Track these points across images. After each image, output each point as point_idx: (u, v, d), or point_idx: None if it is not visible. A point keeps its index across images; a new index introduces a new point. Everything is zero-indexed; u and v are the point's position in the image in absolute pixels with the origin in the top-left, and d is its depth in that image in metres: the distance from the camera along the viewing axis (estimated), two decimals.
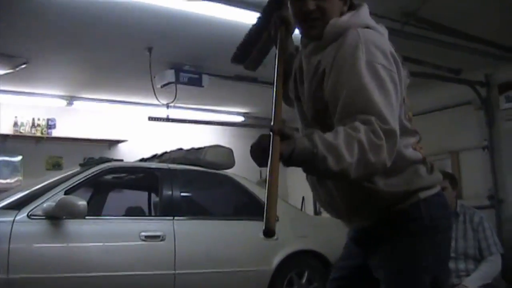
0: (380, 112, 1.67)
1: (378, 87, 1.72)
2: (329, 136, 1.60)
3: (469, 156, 8.28)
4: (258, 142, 1.60)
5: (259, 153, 1.59)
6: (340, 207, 2.01)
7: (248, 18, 5.25)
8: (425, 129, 8.20)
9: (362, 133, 1.61)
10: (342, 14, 1.99)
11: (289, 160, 1.56)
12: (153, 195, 6.33)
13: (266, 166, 1.53)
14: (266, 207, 1.49)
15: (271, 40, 2.27)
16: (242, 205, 6.28)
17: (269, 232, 1.47)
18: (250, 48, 2.39)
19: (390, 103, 1.73)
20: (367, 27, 1.92)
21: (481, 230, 4.44)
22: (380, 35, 1.93)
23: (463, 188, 8.26)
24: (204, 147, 6.10)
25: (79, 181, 5.13)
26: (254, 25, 2.39)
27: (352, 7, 2.03)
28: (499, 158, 7.94)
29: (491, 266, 4.38)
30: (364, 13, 1.99)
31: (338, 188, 1.97)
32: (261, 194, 5.97)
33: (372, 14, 2.03)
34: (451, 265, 4.30)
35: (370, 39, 1.84)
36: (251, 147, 1.61)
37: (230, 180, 6.05)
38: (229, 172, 6.13)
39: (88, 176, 5.22)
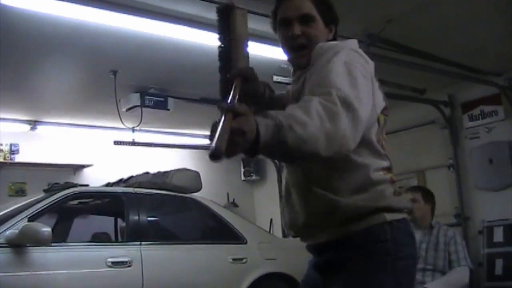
0: (341, 87, 1.66)
1: (348, 77, 1.73)
2: (282, 111, 1.55)
3: (435, 175, 8.35)
4: (212, 124, 1.48)
5: (212, 133, 1.44)
6: (302, 218, 1.97)
7: (212, 41, 5.25)
8: (391, 149, 8.28)
9: (316, 101, 1.57)
10: (327, 41, 2.06)
11: (257, 139, 1.44)
12: (119, 220, 6.25)
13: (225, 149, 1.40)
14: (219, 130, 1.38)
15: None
16: (210, 228, 6.23)
17: (217, 152, 1.34)
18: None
19: (358, 93, 1.69)
20: (356, 51, 1.95)
21: (452, 243, 4.47)
22: (364, 60, 1.93)
23: None
24: (171, 171, 6.05)
25: (43, 207, 5.04)
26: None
27: (336, 37, 2.12)
28: (465, 176, 8.02)
29: (457, 276, 4.39)
30: (353, 42, 2.04)
31: (302, 198, 1.96)
32: (229, 217, 5.95)
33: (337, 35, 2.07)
34: (418, 277, 4.32)
35: (353, 54, 1.90)
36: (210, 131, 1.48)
37: (197, 204, 6.00)
38: (196, 195, 6.08)
39: (52, 202, 5.13)
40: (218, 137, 1.36)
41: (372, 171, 1.89)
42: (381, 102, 1.98)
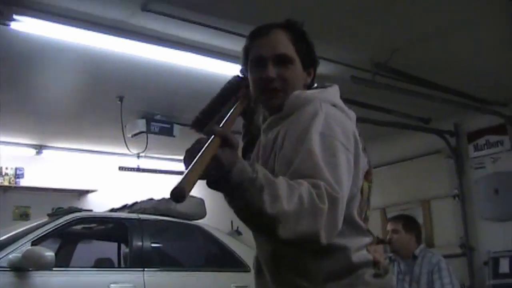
0: (328, 179, 1.46)
1: (328, 157, 1.53)
2: (271, 175, 1.39)
3: (440, 205, 8.31)
4: (195, 143, 1.32)
5: (190, 155, 1.28)
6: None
7: (219, 68, 5.29)
8: (396, 179, 8.34)
9: (305, 189, 1.39)
10: (305, 86, 1.86)
11: (228, 174, 1.28)
12: (123, 246, 6.23)
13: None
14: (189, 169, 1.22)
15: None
16: (214, 255, 6.20)
17: (179, 193, 1.18)
18: (214, 113, 2.10)
19: (338, 176, 1.51)
20: (334, 105, 1.76)
21: (436, 270, 4.37)
22: (345, 116, 1.76)
23: (435, 236, 8.29)
24: None
25: (46, 232, 5.04)
26: (222, 88, 2.12)
27: (313, 81, 1.93)
28: (470, 206, 7.98)
29: None
30: (333, 92, 1.84)
31: (273, 281, 1.78)
32: (233, 245, 5.92)
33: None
34: None
35: (332, 114, 1.68)
36: (186, 151, 1.33)
37: (201, 231, 5.99)
38: (200, 222, 6.06)
39: (56, 227, 5.13)
40: (189, 172, 1.21)
41: (353, 252, 1.69)
42: (364, 166, 1.76)
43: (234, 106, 1.79)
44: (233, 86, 2.04)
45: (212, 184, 1.30)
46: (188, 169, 1.21)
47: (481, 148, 7.87)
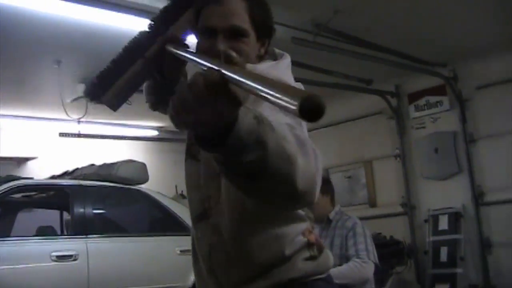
0: (295, 125, 1.32)
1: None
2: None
3: (382, 165, 8.45)
4: (192, 83, 0.98)
5: (194, 103, 0.98)
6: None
7: None
8: (338, 140, 8.43)
9: (284, 125, 1.24)
10: (258, 57, 1.70)
11: (229, 128, 1.04)
12: (65, 213, 6.13)
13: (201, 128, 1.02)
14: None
15: (147, 68, 1.78)
16: (157, 220, 6.17)
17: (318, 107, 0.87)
18: (114, 78, 1.81)
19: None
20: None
21: (351, 235, 4.00)
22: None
23: (377, 196, 8.44)
24: (117, 162, 5.96)
25: None
26: (125, 48, 1.83)
27: (267, 52, 1.74)
28: (411, 165, 8.13)
29: (353, 268, 3.88)
30: (284, 67, 1.70)
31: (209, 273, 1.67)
32: (177, 209, 5.89)
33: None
34: None
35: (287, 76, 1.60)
36: (177, 97, 1.00)
37: (144, 196, 5.94)
38: (143, 187, 6.00)
39: None
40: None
41: (287, 243, 1.59)
42: None
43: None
44: (139, 43, 1.81)
45: (212, 141, 1.05)
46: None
47: (422, 109, 8.00)
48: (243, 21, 1.64)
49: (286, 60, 1.72)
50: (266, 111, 1.23)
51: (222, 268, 1.64)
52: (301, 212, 1.64)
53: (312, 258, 1.62)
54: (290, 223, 1.60)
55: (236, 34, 1.63)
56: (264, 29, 1.70)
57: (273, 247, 1.58)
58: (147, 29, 1.84)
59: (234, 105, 0.99)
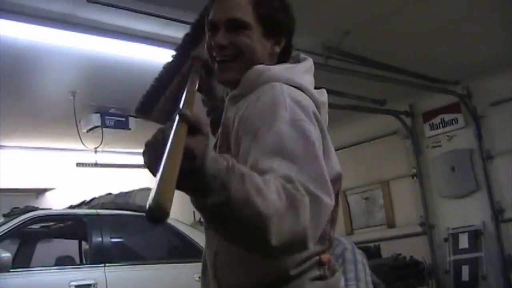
0: (301, 170, 1.25)
1: (304, 145, 1.32)
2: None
3: (399, 185, 8.41)
4: (157, 134, 1.08)
5: (154, 150, 1.06)
6: None
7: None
8: (354, 161, 8.39)
9: (274, 180, 1.17)
10: (272, 56, 1.62)
11: (202, 166, 1.05)
12: (83, 243, 6.15)
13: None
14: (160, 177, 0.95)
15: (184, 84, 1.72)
16: (175, 247, 6.16)
17: (159, 213, 0.94)
18: (159, 96, 1.92)
19: (319, 171, 1.30)
20: (299, 88, 1.51)
21: (340, 263, 3.57)
22: (308, 99, 1.51)
23: (395, 216, 8.38)
24: (133, 190, 5.98)
25: (3, 232, 4.95)
26: (164, 68, 1.94)
27: (287, 52, 1.66)
28: (428, 184, 8.09)
29: None
30: (301, 70, 1.60)
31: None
32: (194, 235, 5.89)
33: (294, 48, 1.66)
34: None
35: (294, 97, 1.44)
36: (146, 144, 1.09)
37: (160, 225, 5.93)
38: None
39: (13, 226, 5.04)
40: (162, 179, 0.95)
41: (296, 264, 1.45)
42: (335, 160, 1.56)
43: (189, 81, 1.53)
44: (174, 64, 1.89)
45: (183, 182, 1.02)
46: (159, 174, 0.95)
47: (437, 127, 7.97)
48: (244, 13, 1.57)
49: (306, 64, 1.64)
50: (265, 161, 1.26)
51: (225, 277, 1.56)
52: (327, 234, 1.52)
53: (321, 278, 1.49)
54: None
55: (235, 26, 1.57)
56: (272, 25, 1.61)
57: (278, 265, 1.43)
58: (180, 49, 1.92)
59: (188, 158, 1.02)
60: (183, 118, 1.04)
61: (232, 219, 1.11)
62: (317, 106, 1.54)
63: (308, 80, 1.59)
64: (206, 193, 1.08)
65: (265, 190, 1.12)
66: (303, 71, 1.61)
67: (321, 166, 1.31)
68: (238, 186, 1.09)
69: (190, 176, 1.04)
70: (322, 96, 1.63)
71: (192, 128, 1.04)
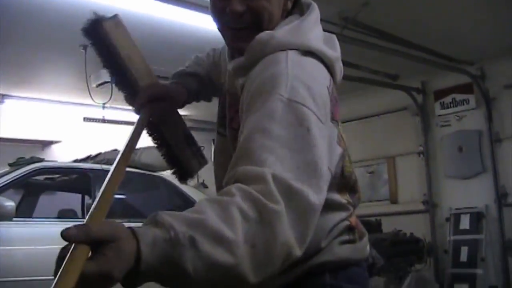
0: (280, 164, 1.09)
1: (294, 137, 1.15)
2: (187, 212, 1.00)
3: (405, 162, 8.39)
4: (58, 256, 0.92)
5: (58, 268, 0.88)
6: None
7: (187, 18, 5.20)
8: (361, 135, 8.37)
9: (239, 197, 1.02)
10: (285, 12, 1.44)
11: (137, 267, 0.90)
12: (86, 197, 6.17)
13: None
14: None
15: None
16: (177, 207, 6.17)
17: None
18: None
19: (313, 157, 1.15)
20: (309, 51, 1.34)
21: None
22: (319, 67, 1.35)
23: (399, 193, 8.38)
24: (139, 148, 5.96)
25: (7, 182, 4.95)
26: None
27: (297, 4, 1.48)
28: (434, 163, 8.07)
29: None
30: (310, 26, 1.40)
31: None
32: (197, 197, 5.91)
33: None
34: None
35: (299, 76, 1.25)
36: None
37: (165, 182, 5.95)
38: (164, 174, 6.01)
39: (17, 176, 5.04)
40: None
41: (325, 235, 1.37)
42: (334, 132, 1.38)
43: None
44: None
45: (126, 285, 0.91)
46: None
47: (447, 106, 7.93)
48: None
49: (312, 15, 1.43)
50: (248, 144, 1.14)
51: None
52: (341, 199, 1.43)
53: (350, 241, 1.43)
54: (327, 213, 1.34)
55: None
56: None
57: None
58: None
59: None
60: (71, 237, 0.88)
61: (204, 285, 0.97)
62: (330, 65, 1.38)
63: (317, 36, 1.40)
64: (165, 282, 0.96)
65: (225, 230, 0.96)
66: (311, 26, 1.40)
67: (314, 154, 1.16)
68: (192, 256, 0.93)
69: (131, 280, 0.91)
70: (334, 48, 1.43)
71: (92, 242, 0.88)
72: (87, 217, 1.03)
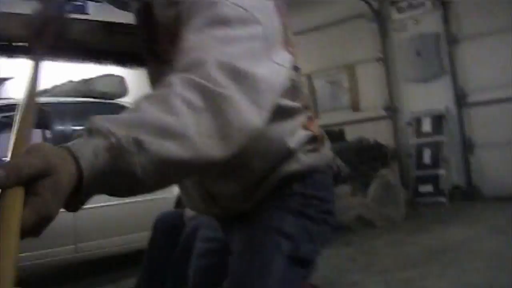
0: (220, 43, 1.04)
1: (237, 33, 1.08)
2: (124, 113, 0.92)
3: (365, 69, 8.40)
4: None
5: None
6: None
7: None
8: (319, 45, 8.31)
9: (180, 86, 0.94)
10: None
11: (79, 197, 0.82)
12: (46, 131, 6.07)
13: None
14: None
15: None
16: None
17: None
18: None
19: (253, 48, 1.08)
20: None
21: None
22: None
23: (360, 100, 8.43)
24: (94, 77, 5.85)
25: None
26: None
27: None
28: (393, 68, 8.09)
29: None
30: None
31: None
32: None
33: None
34: None
35: None
36: None
37: (123, 109, 5.85)
38: (123, 101, 5.92)
39: None
40: None
41: (289, 136, 1.41)
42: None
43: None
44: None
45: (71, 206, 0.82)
46: None
47: (403, 11, 7.87)
48: None
49: None
50: (194, 28, 1.07)
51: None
52: (294, 104, 1.41)
53: (314, 150, 1.46)
54: (283, 118, 1.37)
55: None
56: None
57: (276, 142, 1.37)
58: None
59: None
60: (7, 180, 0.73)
61: (161, 184, 0.94)
62: None
63: None
64: (113, 189, 0.88)
65: (171, 122, 0.89)
66: None
67: (269, 27, 1.12)
68: (141, 158, 0.85)
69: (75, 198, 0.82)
70: None
71: (23, 180, 0.74)
72: (10, 147, 0.91)
